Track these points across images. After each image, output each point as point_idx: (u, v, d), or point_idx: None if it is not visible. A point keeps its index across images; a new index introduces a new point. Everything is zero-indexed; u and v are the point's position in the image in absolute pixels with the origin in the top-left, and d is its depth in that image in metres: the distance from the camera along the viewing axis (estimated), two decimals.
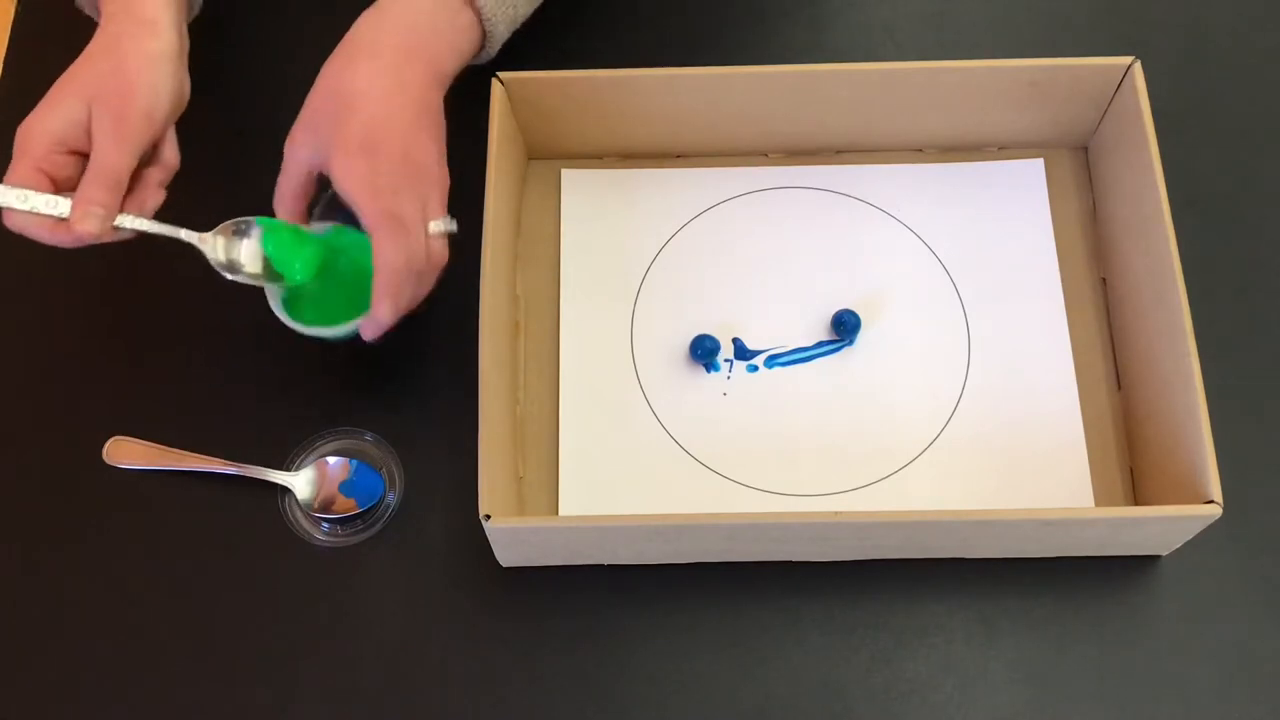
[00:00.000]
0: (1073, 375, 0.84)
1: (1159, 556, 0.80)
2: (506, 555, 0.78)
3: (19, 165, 0.71)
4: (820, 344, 0.85)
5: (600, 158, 0.90)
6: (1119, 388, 0.84)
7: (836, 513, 0.75)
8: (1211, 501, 0.72)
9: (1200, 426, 0.73)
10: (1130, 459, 0.82)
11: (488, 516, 0.72)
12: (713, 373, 0.85)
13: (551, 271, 0.88)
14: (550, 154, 0.90)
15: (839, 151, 0.91)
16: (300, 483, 0.81)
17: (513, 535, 0.75)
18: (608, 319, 0.86)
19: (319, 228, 0.79)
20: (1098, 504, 0.81)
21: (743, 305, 0.86)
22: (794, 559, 0.80)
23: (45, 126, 0.71)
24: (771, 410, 0.84)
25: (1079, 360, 0.85)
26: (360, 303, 0.75)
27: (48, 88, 0.88)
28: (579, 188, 0.90)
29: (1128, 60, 0.82)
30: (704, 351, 0.84)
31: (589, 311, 0.86)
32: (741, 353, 0.85)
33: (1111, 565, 0.80)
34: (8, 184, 0.70)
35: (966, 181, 0.90)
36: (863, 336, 0.85)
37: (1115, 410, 0.83)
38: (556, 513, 0.81)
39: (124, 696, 0.77)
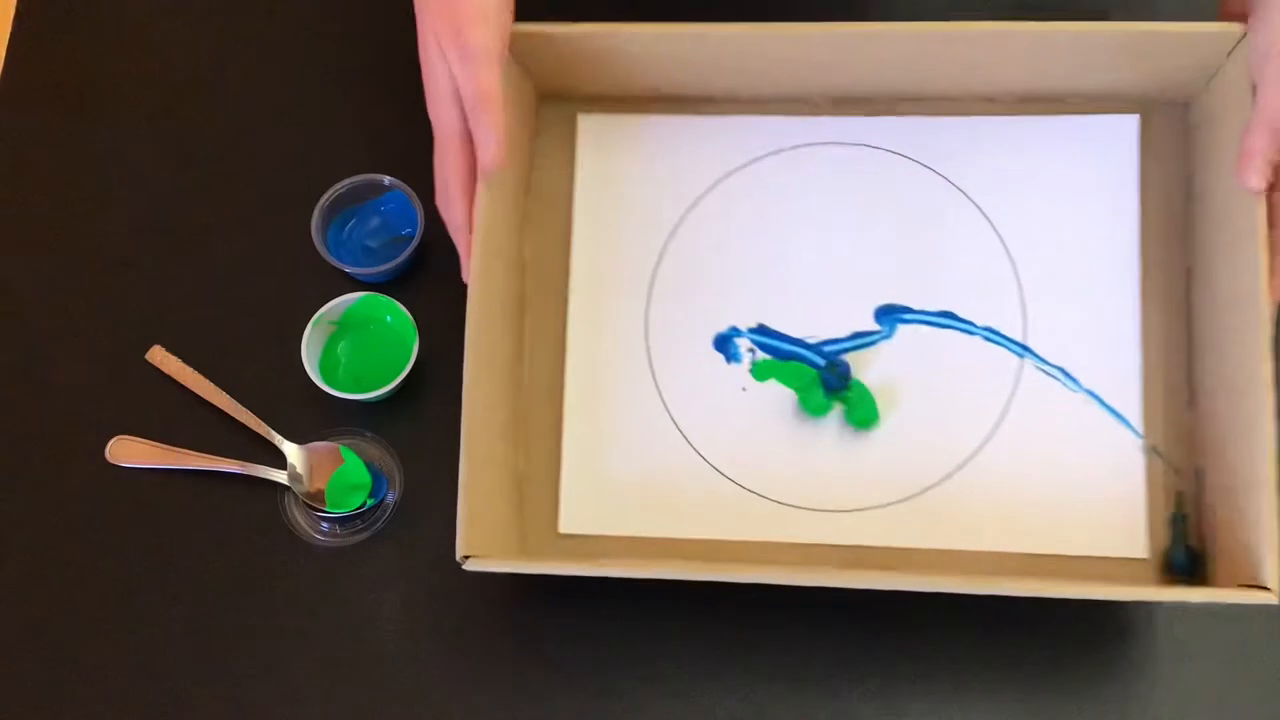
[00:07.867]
0: (1139, 385, 0.74)
1: None
2: None
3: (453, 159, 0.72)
4: (856, 335, 0.77)
5: (622, 100, 0.80)
6: (1190, 405, 0.74)
7: (850, 573, 0.69)
8: (1266, 588, 0.64)
9: (1264, 497, 0.64)
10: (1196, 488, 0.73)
11: (466, 558, 0.69)
12: (733, 364, 0.78)
13: (562, 236, 0.80)
14: (564, 95, 0.80)
15: (897, 100, 0.78)
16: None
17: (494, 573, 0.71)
18: (621, 299, 0.79)
19: (345, 300, 0.79)
20: (1152, 543, 0.73)
21: (772, 284, 0.78)
22: None
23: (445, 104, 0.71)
24: (793, 410, 0.77)
25: (1147, 367, 0.75)
26: (394, 366, 0.78)
27: (48, 88, 0.88)
28: (597, 137, 0.80)
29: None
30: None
31: (600, 294, 0.79)
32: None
33: None
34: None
35: (1043, 139, 0.77)
36: (903, 329, 0.77)
37: (1182, 431, 0.74)
38: (557, 514, 0.77)
39: (124, 695, 0.78)
